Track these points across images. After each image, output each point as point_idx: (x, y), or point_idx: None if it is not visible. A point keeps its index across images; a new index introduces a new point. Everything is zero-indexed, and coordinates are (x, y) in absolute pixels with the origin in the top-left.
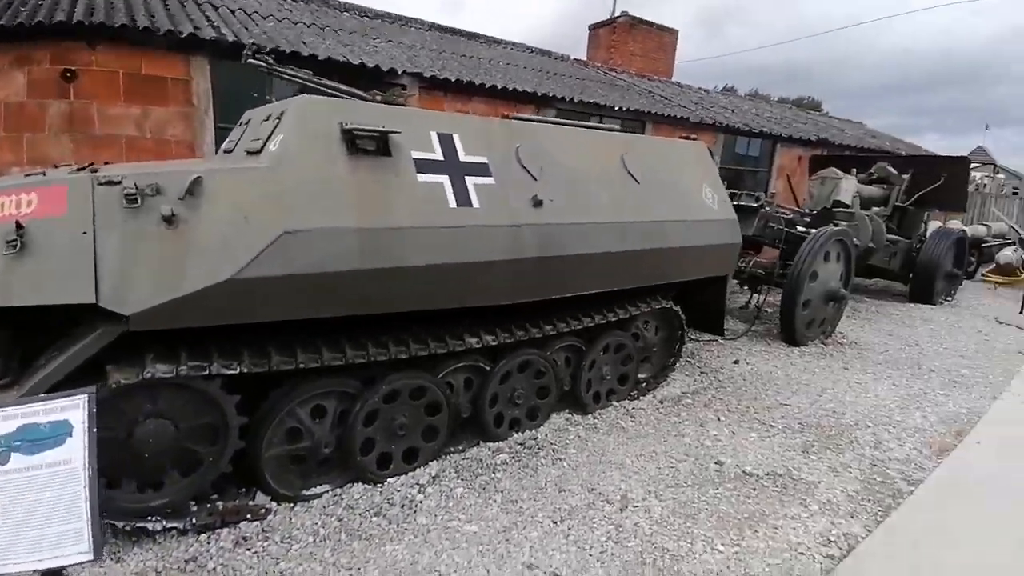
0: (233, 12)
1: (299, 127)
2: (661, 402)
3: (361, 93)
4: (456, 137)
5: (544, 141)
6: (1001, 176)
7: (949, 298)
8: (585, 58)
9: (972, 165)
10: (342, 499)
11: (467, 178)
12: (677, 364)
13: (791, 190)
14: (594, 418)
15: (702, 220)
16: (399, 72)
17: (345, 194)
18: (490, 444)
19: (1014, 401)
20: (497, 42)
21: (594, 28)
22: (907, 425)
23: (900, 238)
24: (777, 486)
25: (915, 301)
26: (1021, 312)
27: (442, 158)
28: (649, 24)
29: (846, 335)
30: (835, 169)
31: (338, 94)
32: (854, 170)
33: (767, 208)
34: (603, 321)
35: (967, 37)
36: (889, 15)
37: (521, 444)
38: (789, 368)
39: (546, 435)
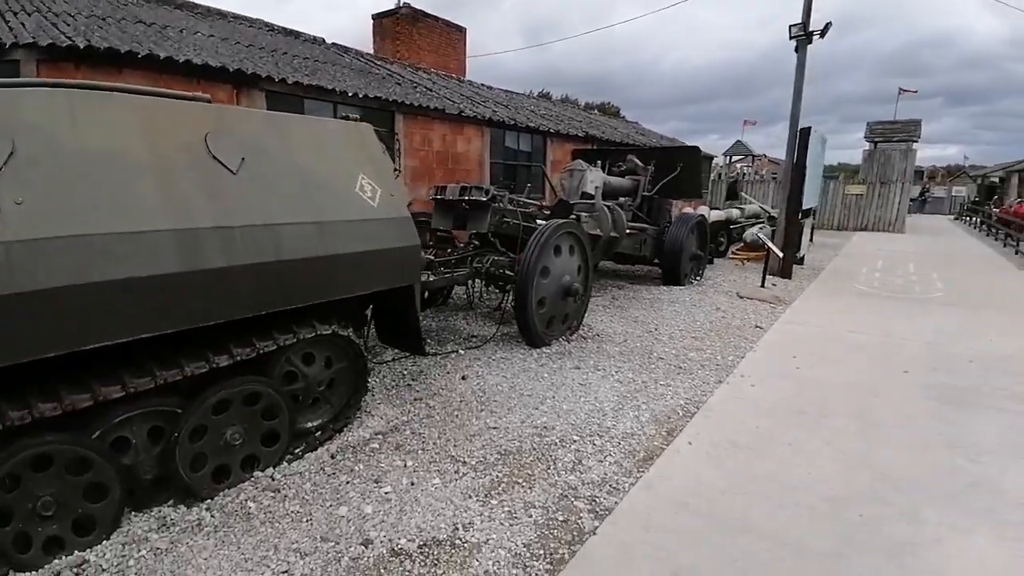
0: None
1: None
2: (334, 456)
3: None
4: None
5: (7, 107)
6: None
7: (697, 277)
8: (372, 50)
9: (736, 157)
10: None
11: None
12: (362, 400)
13: (549, 184)
14: (207, 509)
15: (351, 221)
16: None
17: None
18: None
19: (740, 385)
20: (221, 15)
21: (378, 18)
22: (616, 431)
23: (648, 225)
24: (428, 563)
25: (667, 283)
26: (762, 285)
27: None
28: (435, 19)
29: (593, 327)
30: (581, 161)
31: None
32: (599, 162)
33: (500, 203)
34: (203, 370)
35: (746, 49)
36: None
37: None
38: (520, 376)
39: (104, 556)
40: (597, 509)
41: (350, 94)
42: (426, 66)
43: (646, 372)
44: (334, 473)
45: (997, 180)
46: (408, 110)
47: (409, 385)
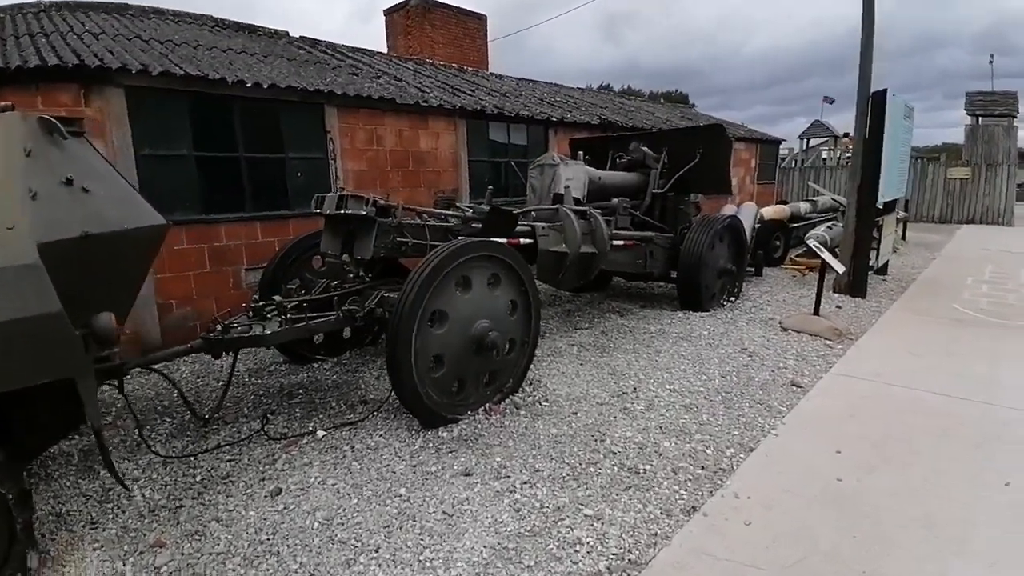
0: None
1: None
2: None
3: None
4: None
5: None
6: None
7: (730, 299)
8: (385, 48)
9: (820, 142)
10: None
11: None
12: (26, 556)
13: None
14: None
15: None
16: None
17: None
18: None
19: (725, 519)
20: (159, 13)
21: (389, 13)
22: None
23: (656, 233)
24: None
25: (685, 308)
26: (816, 312)
27: None
28: (448, 8)
29: (542, 384)
30: (554, 154)
31: None
32: (581, 153)
33: (394, 218)
34: None
35: (837, 23)
36: None
37: None
38: (363, 492)
39: None
40: None
41: (248, 84)
42: (441, 60)
43: (573, 483)
44: None
45: None
46: (344, 102)
47: (181, 507)
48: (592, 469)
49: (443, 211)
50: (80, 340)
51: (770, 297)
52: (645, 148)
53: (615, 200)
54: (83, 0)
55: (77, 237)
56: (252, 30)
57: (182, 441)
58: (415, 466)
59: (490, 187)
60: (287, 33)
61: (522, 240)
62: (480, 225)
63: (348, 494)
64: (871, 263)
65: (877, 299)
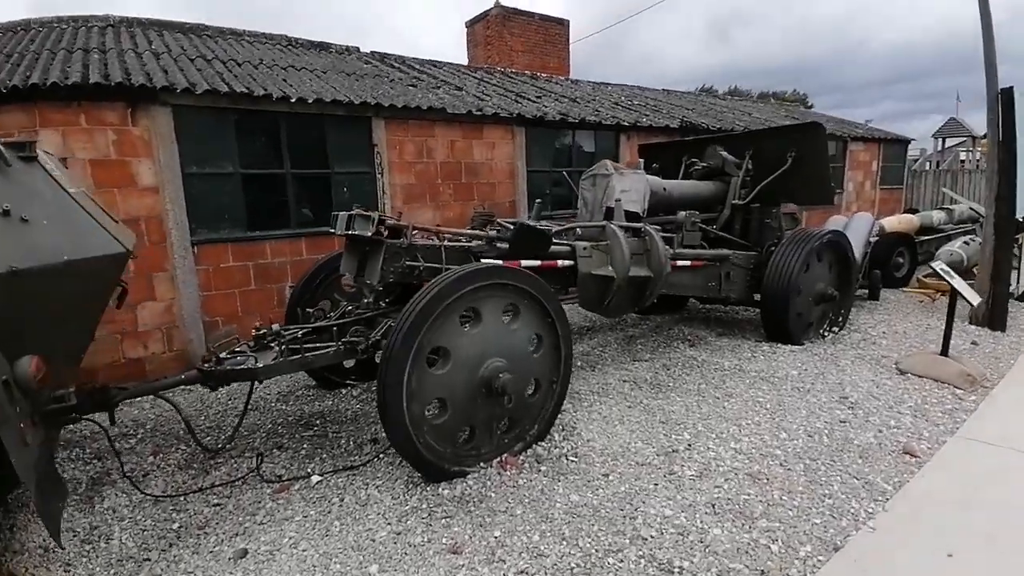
0: None
1: None
2: None
3: None
4: None
5: None
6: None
7: (832, 330)
8: (467, 60)
9: (957, 142)
10: None
11: None
12: None
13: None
14: None
15: None
16: None
17: None
18: None
19: None
20: (235, 34)
21: (470, 25)
22: None
23: (735, 251)
24: None
25: (772, 340)
26: (943, 352)
27: None
28: (529, 15)
29: (575, 430)
30: (609, 162)
31: None
32: (641, 160)
33: (405, 239)
34: None
35: (967, 21)
36: None
37: None
38: (329, 565)
39: None
40: None
41: (293, 99)
42: (521, 68)
43: None
44: None
45: None
46: (392, 113)
47: (147, 560)
48: (611, 560)
49: (469, 231)
50: None
51: (886, 328)
52: (724, 153)
53: (681, 214)
54: (157, 19)
55: (4, 274)
56: (323, 47)
57: (188, 473)
58: (399, 533)
59: (538, 200)
60: (358, 49)
61: (559, 262)
62: (508, 245)
63: (314, 566)
64: (1011, 289)
65: (1018, 333)
